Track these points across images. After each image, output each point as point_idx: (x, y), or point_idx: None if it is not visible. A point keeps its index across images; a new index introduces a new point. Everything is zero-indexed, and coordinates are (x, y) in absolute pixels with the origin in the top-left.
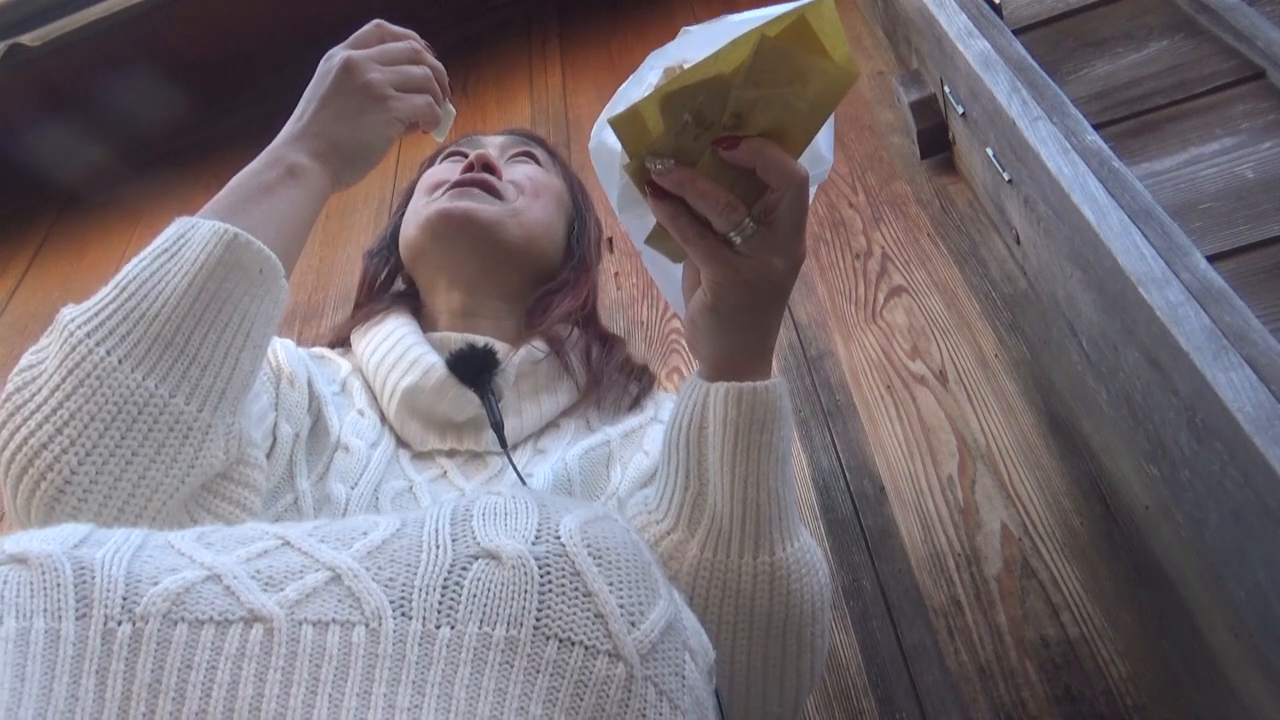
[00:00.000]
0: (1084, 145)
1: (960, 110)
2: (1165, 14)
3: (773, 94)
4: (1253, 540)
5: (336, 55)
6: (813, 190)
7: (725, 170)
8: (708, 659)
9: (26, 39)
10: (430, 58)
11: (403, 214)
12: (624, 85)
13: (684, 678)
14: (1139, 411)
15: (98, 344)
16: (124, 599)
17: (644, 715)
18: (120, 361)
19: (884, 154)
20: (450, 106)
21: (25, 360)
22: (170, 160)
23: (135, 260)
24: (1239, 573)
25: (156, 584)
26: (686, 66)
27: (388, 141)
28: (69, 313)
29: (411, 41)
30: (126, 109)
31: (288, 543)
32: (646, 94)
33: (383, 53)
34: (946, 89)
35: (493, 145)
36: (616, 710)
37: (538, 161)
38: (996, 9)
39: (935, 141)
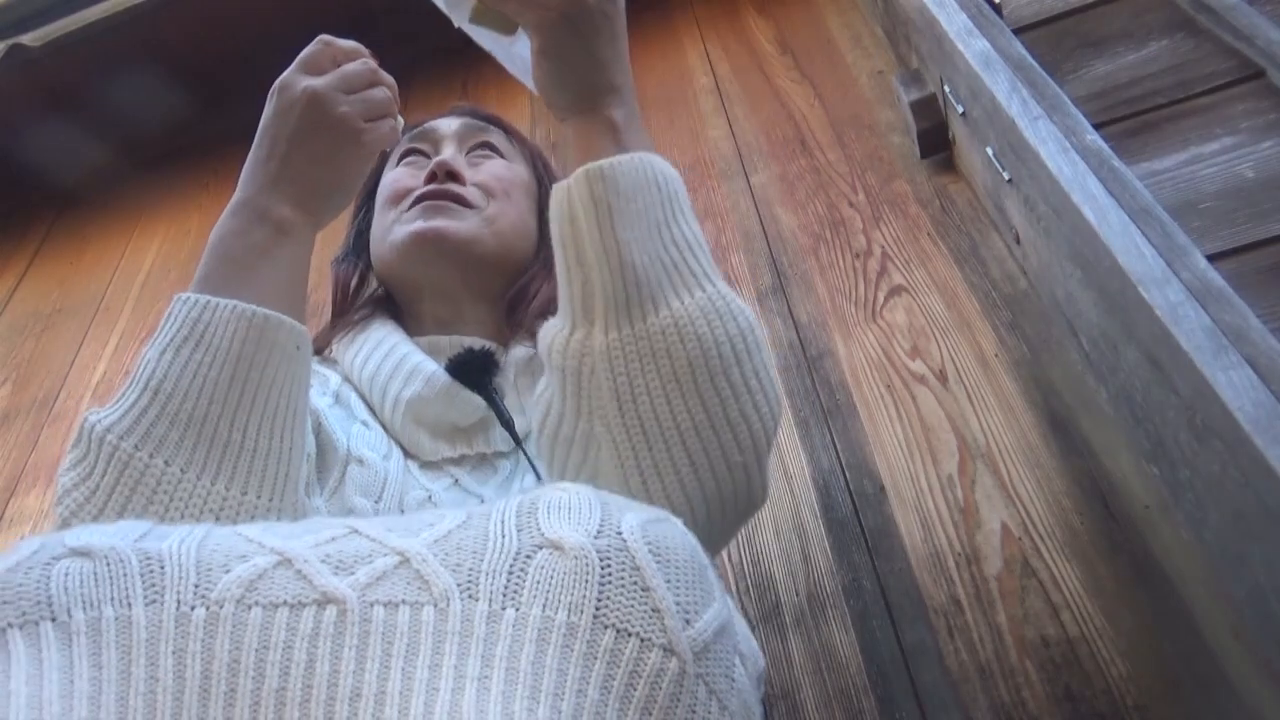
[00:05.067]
0: (1084, 145)
1: (960, 110)
2: (1165, 13)
3: None
4: (1253, 540)
5: (296, 86)
6: None
7: None
8: (757, 666)
9: (26, 39)
10: (383, 73)
11: (364, 217)
12: None
13: (733, 680)
14: (1139, 411)
15: (151, 456)
16: (196, 586)
17: (694, 711)
18: (183, 471)
19: (884, 153)
20: (401, 118)
21: (67, 481)
22: (170, 160)
23: (154, 352)
24: (1239, 573)
25: (229, 571)
26: None
27: (364, 176)
28: (100, 421)
29: (365, 59)
30: (126, 109)
31: (356, 530)
32: None
33: (343, 80)
34: (946, 88)
35: (449, 139)
36: (668, 703)
37: (499, 151)
38: (996, 8)
39: (935, 141)
